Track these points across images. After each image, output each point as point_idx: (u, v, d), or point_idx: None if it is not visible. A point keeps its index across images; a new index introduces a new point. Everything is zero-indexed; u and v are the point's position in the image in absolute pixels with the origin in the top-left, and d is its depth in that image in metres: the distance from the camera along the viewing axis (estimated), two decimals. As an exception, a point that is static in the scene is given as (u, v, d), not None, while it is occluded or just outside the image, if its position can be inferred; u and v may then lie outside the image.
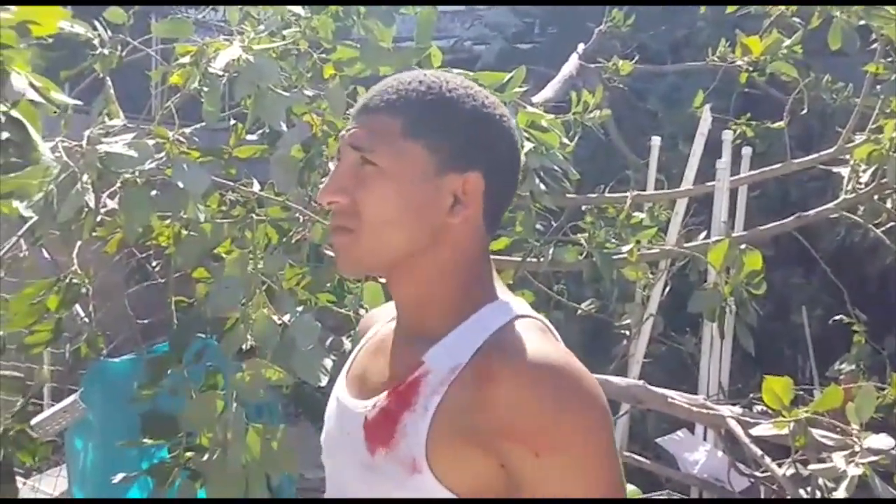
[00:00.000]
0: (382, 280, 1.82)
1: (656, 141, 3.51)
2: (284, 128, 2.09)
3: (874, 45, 2.86)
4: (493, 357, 0.86)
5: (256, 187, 2.28)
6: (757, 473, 2.39)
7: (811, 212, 2.94)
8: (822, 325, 3.84)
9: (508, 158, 0.94)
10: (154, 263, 2.37)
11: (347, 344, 2.02)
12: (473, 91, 0.93)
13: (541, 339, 0.87)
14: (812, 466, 1.81)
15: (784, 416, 1.88)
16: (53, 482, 2.89)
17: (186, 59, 1.95)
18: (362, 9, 2.33)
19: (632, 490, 2.26)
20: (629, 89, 4.23)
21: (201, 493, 1.93)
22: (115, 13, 2.20)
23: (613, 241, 2.64)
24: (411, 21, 2.45)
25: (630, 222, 2.70)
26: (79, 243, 2.00)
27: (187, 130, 1.99)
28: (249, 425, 1.92)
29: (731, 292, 2.49)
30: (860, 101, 2.91)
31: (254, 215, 2.13)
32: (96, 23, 2.13)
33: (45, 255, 2.34)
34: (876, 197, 2.75)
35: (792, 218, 2.93)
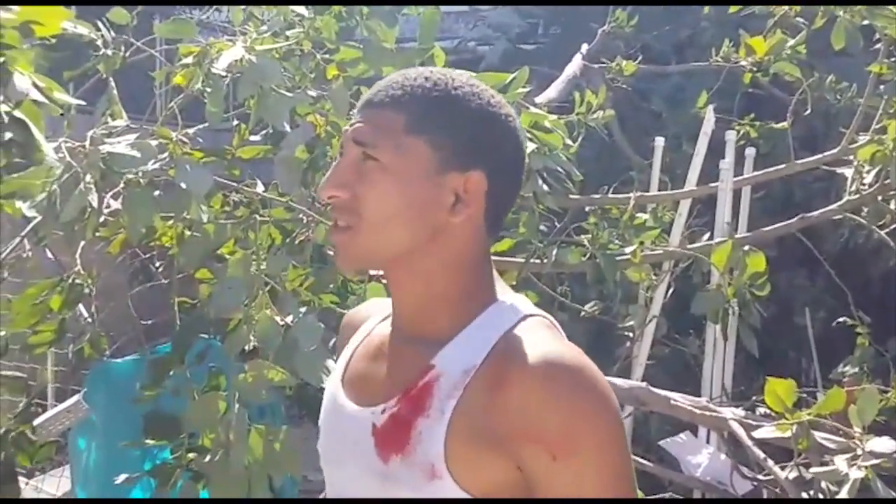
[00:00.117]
0: (385, 280, 1.82)
1: (660, 141, 3.50)
2: (288, 128, 2.09)
3: (878, 46, 2.86)
4: (508, 359, 0.85)
5: (260, 188, 2.28)
6: (760, 476, 2.38)
7: (814, 213, 2.93)
8: (826, 327, 3.83)
9: (512, 158, 0.92)
10: (157, 264, 2.37)
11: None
12: (479, 89, 0.91)
13: (553, 339, 0.87)
14: (814, 469, 1.81)
15: (786, 419, 1.88)
16: (56, 482, 2.90)
17: (189, 60, 1.95)
18: (365, 9, 2.33)
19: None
20: (633, 90, 4.22)
21: (204, 494, 1.93)
22: (118, 14, 2.20)
23: (617, 242, 2.63)
24: (415, 22, 2.45)
25: (633, 223, 2.69)
26: (82, 244, 2.00)
27: (190, 131, 2.00)
28: (252, 426, 1.92)
29: (735, 294, 2.49)
30: (863, 101, 2.90)
31: (257, 216, 2.13)
32: (99, 23, 2.13)
33: (49, 255, 2.35)
34: (880, 198, 2.74)
35: (795, 219, 2.93)
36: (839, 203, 2.84)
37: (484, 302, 0.91)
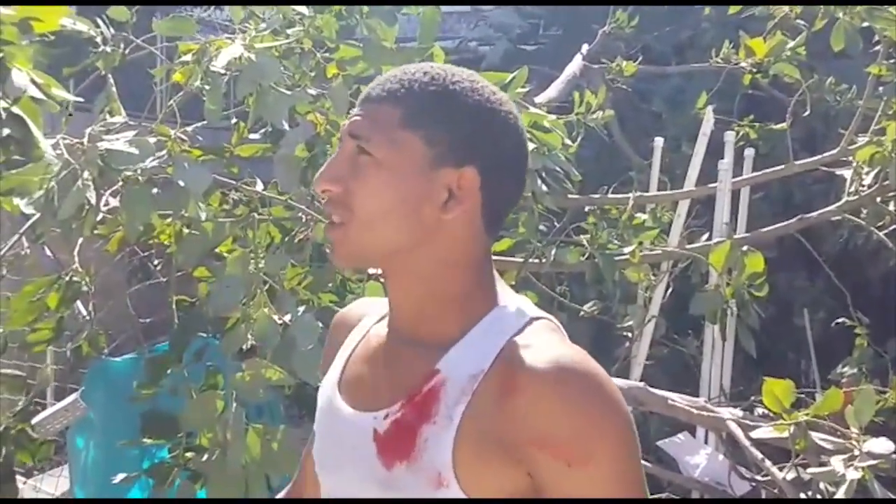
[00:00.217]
0: (383, 279, 1.82)
1: (659, 142, 3.50)
2: (286, 126, 2.09)
3: (878, 48, 2.86)
4: (518, 363, 0.83)
5: (260, 186, 2.28)
6: (758, 477, 2.38)
7: (813, 214, 2.93)
8: (826, 328, 3.83)
9: (512, 156, 0.90)
10: (156, 262, 2.37)
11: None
12: (480, 85, 0.89)
13: (562, 343, 0.85)
14: (811, 470, 1.80)
15: (784, 419, 1.88)
16: (55, 482, 2.89)
17: (188, 58, 1.95)
18: (365, 8, 2.33)
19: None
20: (633, 91, 4.22)
21: (201, 494, 1.93)
22: (118, 11, 2.20)
23: (615, 242, 2.63)
24: (416, 21, 2.45)
25: (632, 223, 2.69)
26: (80, 241, 2.00)
27: (189, 128, 2.00)
28: (249, 426, 1.92)
29: (733, 294, 2.49)
30: (862, 102, 2.90)
31: (256, 214, 2.13)
32: (99, 20, 2.13)
33: (48, 252, 2.34)
34: (878, 199, 2.74)
35: (794, 220, 2.93)
36: (838, 204, 2.84)
37: (487, 304, 0.89)
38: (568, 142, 2.39)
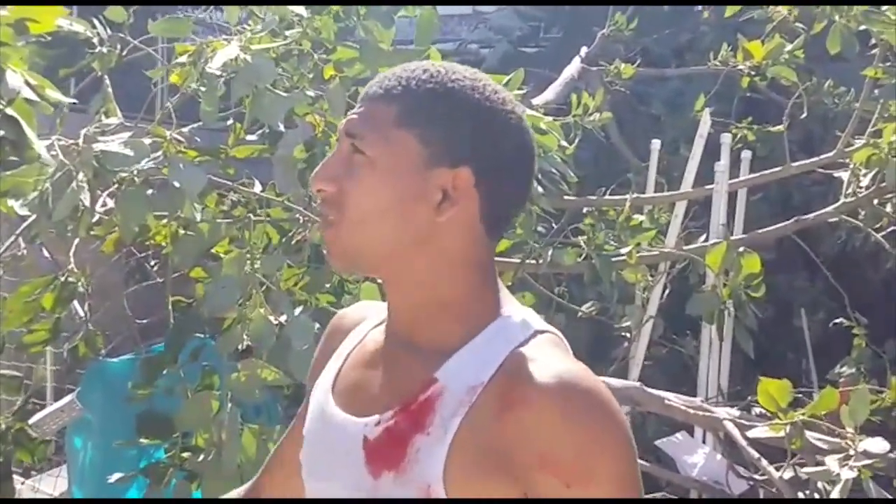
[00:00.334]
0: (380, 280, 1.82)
1: (656, 144, 3.51)
2: (282, 128, 2.10)
3: (876, 50, 2.86)
4: (520, 377, 0.80)
5: (258, 188, 2.29)
6: (756, 476, 2.38)
7: (810, 215, 2.93)
8: (825, 329, 3.83)
9: (513, 158, 0.86)
10: (153, 263, 2.38)
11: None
12: (481, 84, 0.86)
13: (566, 359, 0.82)
14: (806, 469, 1.80)
15: (780, 419, 1.88)
16: (53, 482, 2.90)
17: (184, 59, 1.96)
18: (362, 10, 2.33)
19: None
20: (633, 93, 4.23)
21: (196, 494, 1.93)
22: (115, 12, 2.21)
23: (612, 243, 2.63)
24: (415, 24, 2.45)
25: (629, 225, 2.69)
26: (76, 242, 2.01)
27: (185, 129, 2.01)
28: (245, 426, 1.92)
29: (730, 295, 2.49)
30: (859, 104, 2.91)
31: (252, 215, 2.13)
32: (95, 21, 2.14)
33: (46, 253, 2.35)
34: (876, 201, 2.74)
35: (791, 221, 2.93)
36: (835, 206, 2.85)
37: (490, 313, 0.86)
38: (564, 143, 2.40)
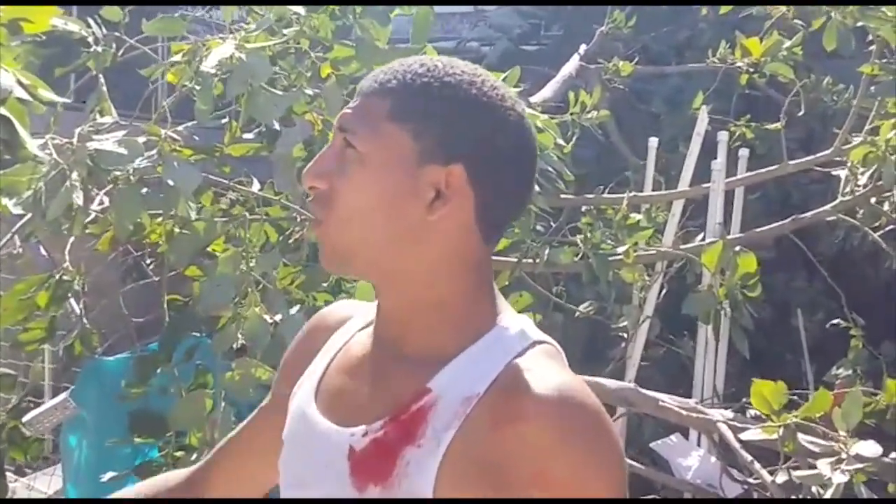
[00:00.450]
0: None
1: (653, 142, 3.50)
2: (277, 126, 2.10)
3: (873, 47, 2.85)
4: (518, 392, 0.77)
5: (256, 186, 2.29)
6: (750, 480, 2.38)
7: (807, 214, 2.93)
8: (825, 329, 3.83)
9: (512, 156, 0.82)
10: (149, 262, 2.38)
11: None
12: (480, 80, 0.82)
13: (563, 373, 0.80)
14: (798, 473, 1.80)
15: (773, 421, 1.87)
16: (49, 480, 2.91)
17: (178, 58, 1.96)
18: (358, 8, 2.33)
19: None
20: (633, 91, 4.22)
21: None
22: (111, 11, 2.21)
23: (609, 242, 2.63)
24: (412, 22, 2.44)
25: (626, 223, 2.69)
26: (71, 240, 2.01)
27: (180, 128, 2.00)
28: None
29: (726, 295, 2.48)
30: (856, 102, 2.90)
31: (247, 214, 2.13)
32: (91, 21, 2.14)
33: (43, 252, 2.35)
34: (874, 199, 2.73)
35: (788, 220, 2.92)
36: (832, 204, 2.83)
37: (486, 321, 0.83)
38: (561, 142, 2.39)
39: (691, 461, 2.58)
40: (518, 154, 0.84)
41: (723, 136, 3.30)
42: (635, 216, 2.79)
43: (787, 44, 3.17)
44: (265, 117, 2.01)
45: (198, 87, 1.94)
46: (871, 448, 1.76)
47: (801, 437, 1.92)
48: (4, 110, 1.54)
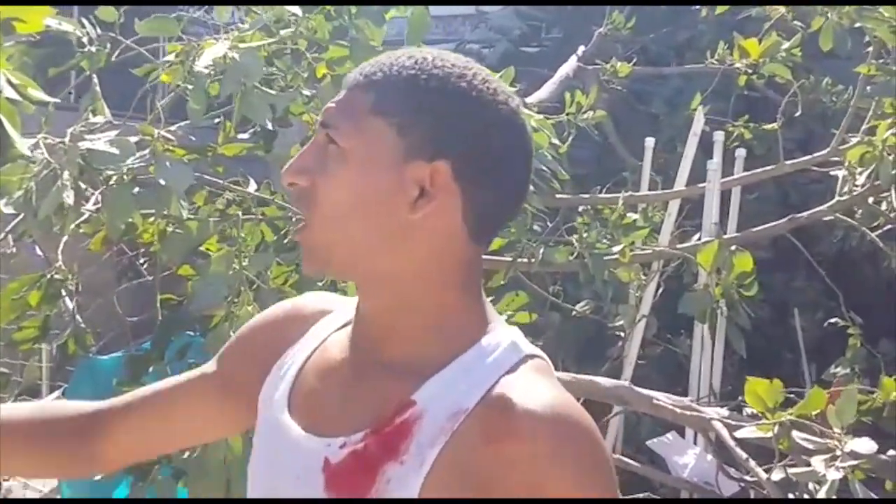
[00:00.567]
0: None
1: (650, 142, 3.50)
2: (270, 126, 2.11)
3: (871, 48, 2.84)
4: (509, 409, 0.73)
5: (253, 186, 2.29)
6: (747, 478, 2.37)
7: (804, 214, 2.92)
8: (824, 329, 3.82)
9: (502, 153, 0.78)
10: (142, 261, 2.39)
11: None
12: (471, 73, 0.78)
13: (556, 389, 0.76)
14: (793, 470, 1.79)
15: (768, 419, 1.87)
16: (43, 480, 2.91)
17: (171, 57, 1.97)
18: (353, 9, 2.34)
19: None
20: (632, 92, 4.22)
21: (182, 492, 1.93)
22: (106, 11, 2.22)
23: (605, 241, 2.63)
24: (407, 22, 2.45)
25: (622, 223, 2.69)
26: (65, 239, 2.01)
27: (173, 127, 2.01)
28: (231, 423, 1.92)
29: (722, 294, 2.48)
30: (853, 102, 2.89)
31: (240, 213, 2.14)
32: (85, 21, 2.15)
33: (38, 252, 2.36)
34: (871, 199, 2.72)
35: (784, 220, 2.92)
36: (829, 204, 2.83)
37: (475, 330, 0.79)
38: (556, 141, 2.39)
39: (688, 459, 2.58)
40: (510, 151, 0.79)
41: (719, 137, 3.30)
42: (632, 216, 2.79)
43: (786, 45, 3.17)
44: (258, 117, 2.01)
45: (191, 87, 1.95)
46: (865, 445, 1.75)
47: (796, 434, 1.91)
48: (-6, 109, 1.54)
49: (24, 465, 0.99)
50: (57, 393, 2.28)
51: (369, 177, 0.77)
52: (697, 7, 4.19)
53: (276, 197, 2.24)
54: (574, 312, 2.94)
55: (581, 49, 3.92)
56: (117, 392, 2.00)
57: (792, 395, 2.19)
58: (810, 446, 1.80)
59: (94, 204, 1.95)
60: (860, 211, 2.84)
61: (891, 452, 2.07)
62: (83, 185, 1.85)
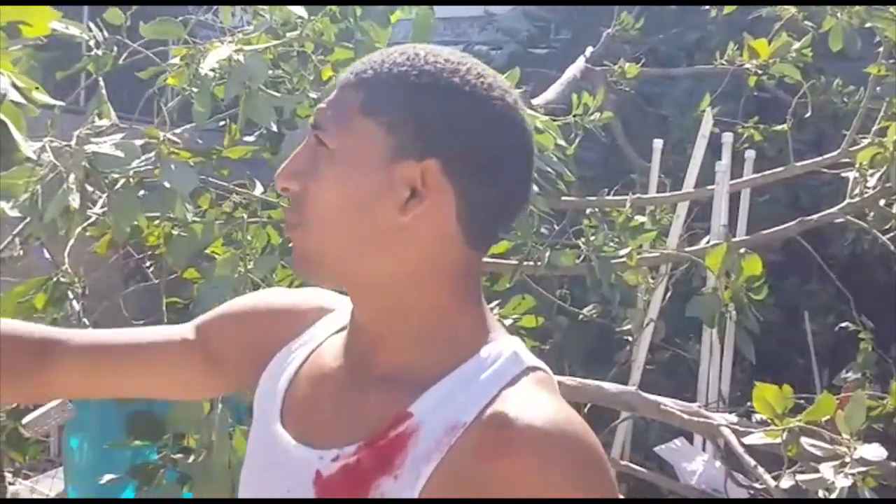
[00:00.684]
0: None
1: (658, 144, 3.48)
2: (275, 128, 2.10)
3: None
4: (510, 424, 0.70)
5: (259, 189, 2.29)
6: (756, 485, 2.34)
7: (814, 216, 2.89)
8: (835, 333, 3.79)
9: (497, 150, 0.74)
10: (149, 264, 2.39)
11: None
12: (465, 68, 0.75)
13: (558, 403, 0.73)
14: (801, 477, 1.77)
15: (776, 425, 1.85)
16: (51, 483, 2.92)
17: (176, 60, 1.97)
18: (359, 11, 2.33)
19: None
20: (642, 94, 4.19)
21: (187, 495, 1.93)
22: (113, 14, 2.22)
23: (612, 244, 2.61)
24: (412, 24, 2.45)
25: (630, 226, 2.67)
26: (71, 242, 2.02)
27: (179, 130, 2.01)
28: (236, 427, 1.92)
29: (731, 298, 2.46)
30: (863, 103, 2.87)
31: (246, 216, 2.14)
32: (92, 24, 2.15)
33: (46, 255, 2.36)
34: (883, 202, 2.70)
35: (794, 222, 2.89)
36: (839, 206, 2.80)
37: (474, 339, 0.76)
38: (562, 143, 2.38)
39: (696, 466, 2.55)
40: (506, 148, 0.75)
41: (727, 138, 3.28)
42: (639, 218, 2.77)
43: (797, 45, 3.14)
44: (263, 119, 2.00)
45: (196, 90, 1.95)
46: (875, 451, 1.73)
47: (805, 441, 1.88)
48: (-1, 113, 1.54)
49: None
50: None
51: (357, 178, 0.74)
52: (707, 7, 4.16)
53: (282, 200, 2.24)
54: (581, 316, 2.92)
55: (589, 50, 3.90)
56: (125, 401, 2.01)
57: (802, 401, 2.17)
58: (819, 453, 1.78)
59: (101, 207, 1.95)
60: (872, 213, 2.81)
61: (901, 458, 2.04)
62: (89, 188, 1.85)
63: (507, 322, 2.23)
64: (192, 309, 2.17)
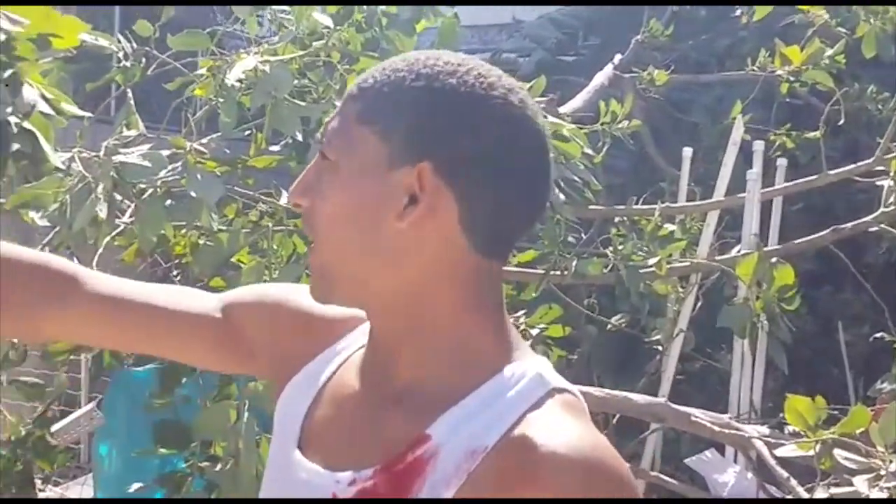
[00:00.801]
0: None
1: (687, 152, 3.44)
2: (301, 137, 2.11)
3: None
4: (535, 450, 0.66)
5: (284, 198, 2.30)
6: (789, 497, 2.29)
7: (848, 225, 2.84)
8: (871, 343, 3.71)
9: (498, 149, 0.71)
10: (175, 273, 2.41)
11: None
12: (464, 69, 0.72)
13: (586, 428, 0.69)
14: (834, 490, 1.73)
15: (809, 437, 1.81)
16: (80, 490, 2.95)
17: (203, 71, 1.99)
18: (384, 20, 2.34)
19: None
20: (672, 101, 4.15)
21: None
22: (142, 26, 2.25)
23: (641, 253, 2.57)
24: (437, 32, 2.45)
25: (659, 234, 2.63)
26: (99, 251, 2.04)
27: (206, 140, 2.03)
28: (262, 435, 1.92)
29: (763, 308, 2.41)
30: (896, 109, 2.81)
31: (271, 225, 2.15)
32: (121, 36, 2.18)
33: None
34: (918, 210, 2.64)
35: (827, 231, 2.84)
36: (874, 215, 2.75)
37: (496, 358, 0.72)
38: (589, 151, 2.36)
39: (727, 478, 2.51)
40: (507, 149, 0.71)
41: (759, 146, 3.23)
42: (669, 227, 2.74)
43: (829, 52, 3.09)
44: (288, 128, 2.02)
45: (222, 100, 1.96)
46: (911, 466, 1.68)
47: (839, 453, 1.84)
48: (29, 124, 1.57)
49: None
50: (91, 405, 2.31)
51: (356, 189, 0.72)
52: (738, 14, 4.12)
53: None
54: (609, 326, 2.89)
55: (618, 57, 3.87)
56: (150, 404, 2.03)
57: (836, 413, 2.12)
58: (853, 466, 1.74)
59: (129, 216, 1.97)
60: (906, 222, 2.75)
61: (940, 473, 1.98)
62: (117, 198, 1.87)
63: (534, 332, 2.21)
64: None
